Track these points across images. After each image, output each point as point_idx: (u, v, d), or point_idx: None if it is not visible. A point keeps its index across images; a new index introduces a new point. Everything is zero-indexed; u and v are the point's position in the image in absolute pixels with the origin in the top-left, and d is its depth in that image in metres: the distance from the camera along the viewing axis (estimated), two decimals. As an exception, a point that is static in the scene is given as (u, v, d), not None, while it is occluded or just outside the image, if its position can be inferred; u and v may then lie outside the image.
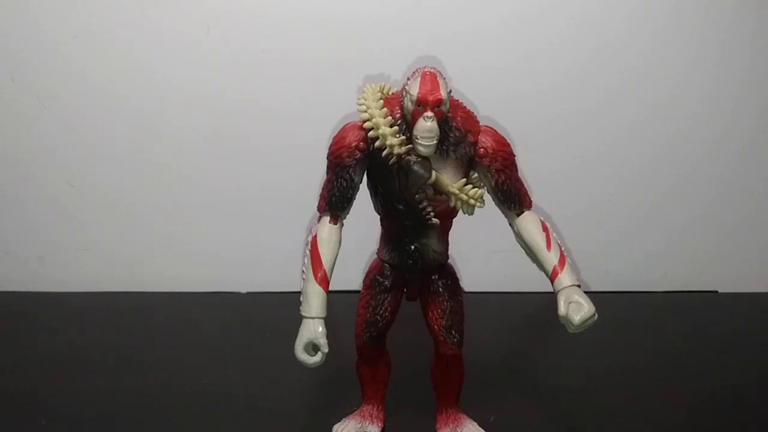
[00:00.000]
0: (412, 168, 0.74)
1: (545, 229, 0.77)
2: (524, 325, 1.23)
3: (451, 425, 0.87)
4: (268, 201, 1.32)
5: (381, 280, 0.83)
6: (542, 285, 0.78)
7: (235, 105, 1.27)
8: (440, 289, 0.82)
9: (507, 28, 1.25)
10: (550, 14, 1.25)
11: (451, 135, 0.74)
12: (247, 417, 0.93)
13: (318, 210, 0.79)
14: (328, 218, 0.78)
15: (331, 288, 0.76)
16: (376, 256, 0.85)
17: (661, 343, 1.15)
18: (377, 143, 0.73)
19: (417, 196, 0.75)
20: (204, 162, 1.30)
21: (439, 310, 0.82)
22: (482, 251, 1.33)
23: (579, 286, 0.75)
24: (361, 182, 0.78)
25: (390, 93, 0.78)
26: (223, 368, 1.05)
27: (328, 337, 0.75)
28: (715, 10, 1.26)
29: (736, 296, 1.35)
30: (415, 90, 0.72)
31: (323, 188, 0.78)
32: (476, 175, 0.78)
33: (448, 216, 0.80)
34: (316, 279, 0.76)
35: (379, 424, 0.88)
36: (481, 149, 0.75)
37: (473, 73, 1.23)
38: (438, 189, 0.75)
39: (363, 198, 0.79)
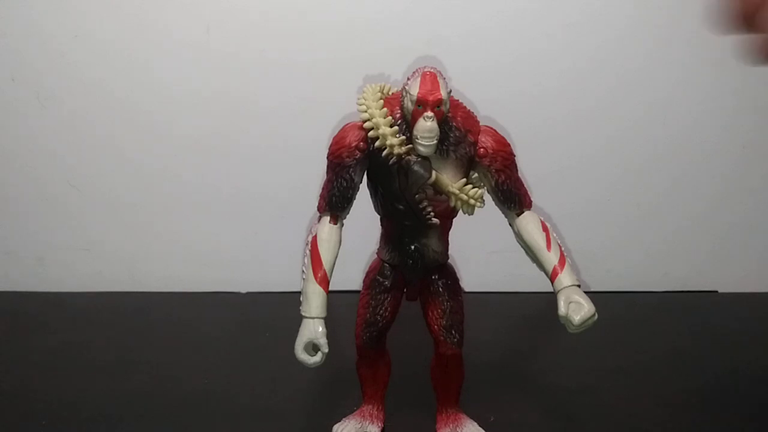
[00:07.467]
0: (412, 168, 0.74)
1: (545, 229, 0.77)
2: (524, 325, 1.23)
3: (451, 425, 0.87)
4: (268, 201, 1.32)
5: (381, 280, 0.83)
6: (542, 285, 0.78)
7: (235, 105, 1.27)
8: (440, 289, 0.82)
9: (507, 28, 1.25)
10: (550, 14, 1.25)
11: (451, 135, 0.74)
12: (247, 417, 0.92)
13: (318, 210, 0.79)
14: (328, 218, 0.78)
15: (331, 288, 0.76)
16: (376, 256, 0.85)
17: (661, 343, 1.15)
18: (377, 143, 0.73)
19: (417, 196, 0.75)
20: (204, 162, 1.30)
21: (439, 310, 0.82)
22: (482, 251, 1.33)
23: (579, 286, 0.75)
24: (361, 182, 0.78)
25: (390, 93, 0.78)
26: (222, 368, 1.05)
27: (328, 337, 0.75)
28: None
29: (736, 296, 1.35)
30: (415, 90, 0.72)
31: (323, 188, 0.78)
32: (476, 175, 0.78)
33: (448, 216, 0.80)
34: (316, 279, 0.76)
35: (379, 424, 0.88)
36: (481, 149, 0.75)
37: (473, 73, 1.23)
38: (438, 189, 0.75)
39: (363, 198, 0.79)
